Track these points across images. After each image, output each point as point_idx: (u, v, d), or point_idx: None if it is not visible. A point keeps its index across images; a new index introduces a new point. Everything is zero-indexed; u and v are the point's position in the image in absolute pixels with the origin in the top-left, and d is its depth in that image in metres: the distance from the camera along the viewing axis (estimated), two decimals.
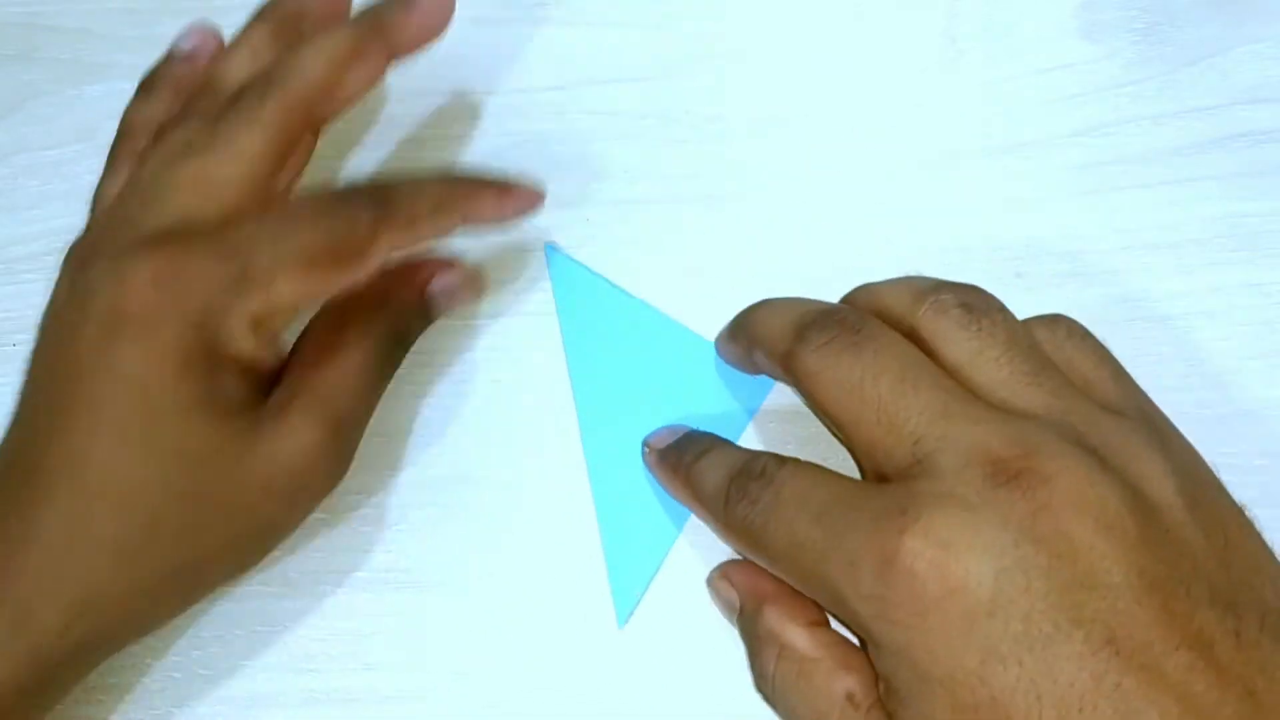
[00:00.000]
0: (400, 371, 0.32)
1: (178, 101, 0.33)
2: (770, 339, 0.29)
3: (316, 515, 0.34)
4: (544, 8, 0.39)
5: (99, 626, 0.27)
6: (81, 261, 0.29)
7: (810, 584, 0.27)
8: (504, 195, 0.31)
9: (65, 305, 0.29)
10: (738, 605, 0.30)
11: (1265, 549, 0.26)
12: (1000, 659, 0.23)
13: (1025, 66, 0.37)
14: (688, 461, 0.31)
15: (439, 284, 0.33)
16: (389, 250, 0.29)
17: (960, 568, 0.23)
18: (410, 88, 0.38)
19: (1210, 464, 0.28)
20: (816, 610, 0.28)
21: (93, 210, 0.33)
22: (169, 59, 0.35)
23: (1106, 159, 0.36)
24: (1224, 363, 0.34)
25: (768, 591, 0.29)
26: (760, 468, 0.28)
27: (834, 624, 0.28)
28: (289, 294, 0.28)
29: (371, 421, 0.31)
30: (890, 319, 0.28)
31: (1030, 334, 0.28)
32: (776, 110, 0.38)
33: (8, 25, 0.41)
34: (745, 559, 0.30)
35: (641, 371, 0.34)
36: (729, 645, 0.31)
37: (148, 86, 0.34)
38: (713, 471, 0.29)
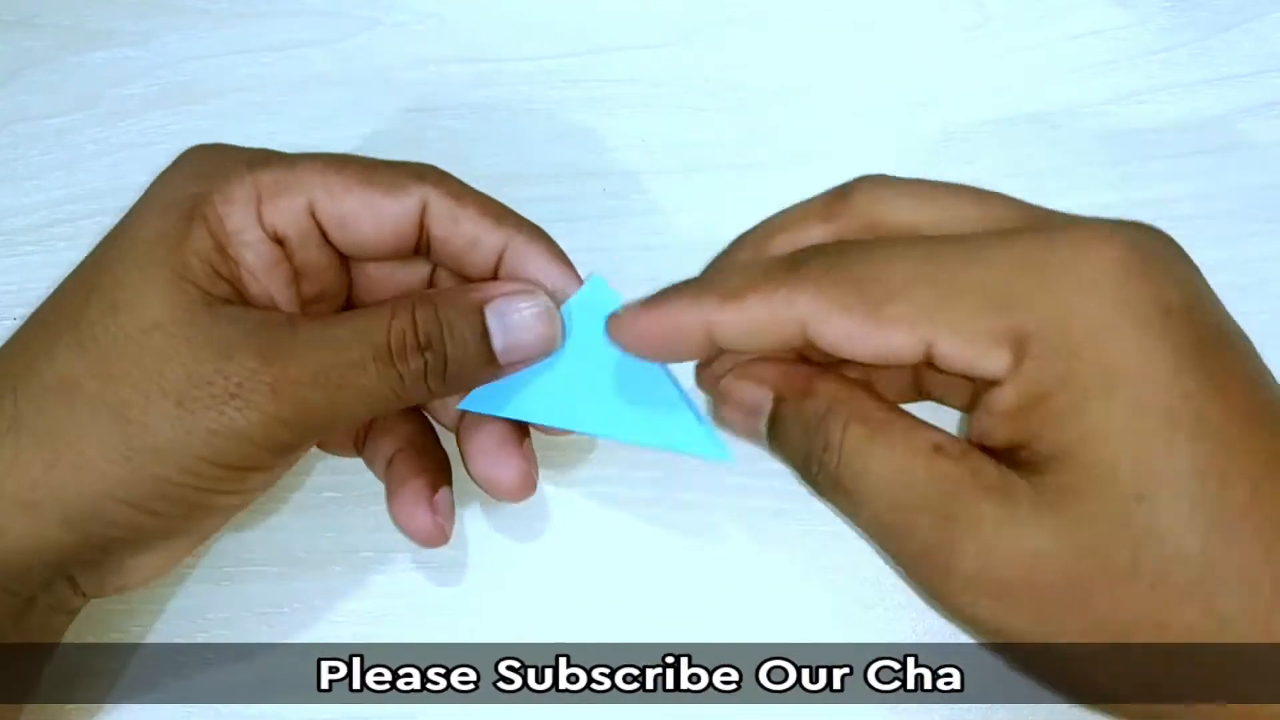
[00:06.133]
0: None
1: None
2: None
3: (326, 494, 0.33)
4: None
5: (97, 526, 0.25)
6: None
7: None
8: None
9: None
10: (767, 405, 0.26)
11: None
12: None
13: (1055, 32, 0.36)
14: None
15: (501, 318, 0.27)
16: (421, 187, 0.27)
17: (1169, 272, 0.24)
18: (423, 56, 0.37)
19: None
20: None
21: None
22: None
23: (1138, 127, 0.35)
24: (1258, 338, 0.33)
25: (811, 372, 0.26)
26: None
27: None
28: (310, 183, 0.27)
29: None
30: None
31: None
32: (798, 78, 0.37)
33: None
34: (756, 360, 0.27)
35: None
36: (745, 614, 0.30)
37: None
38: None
